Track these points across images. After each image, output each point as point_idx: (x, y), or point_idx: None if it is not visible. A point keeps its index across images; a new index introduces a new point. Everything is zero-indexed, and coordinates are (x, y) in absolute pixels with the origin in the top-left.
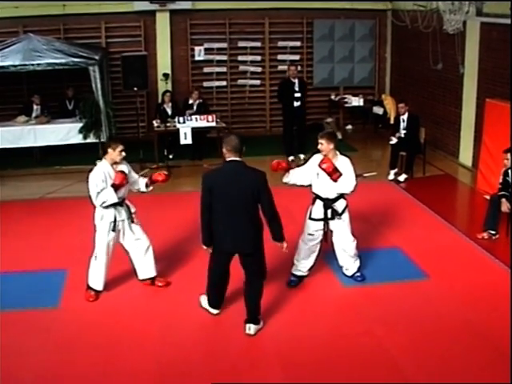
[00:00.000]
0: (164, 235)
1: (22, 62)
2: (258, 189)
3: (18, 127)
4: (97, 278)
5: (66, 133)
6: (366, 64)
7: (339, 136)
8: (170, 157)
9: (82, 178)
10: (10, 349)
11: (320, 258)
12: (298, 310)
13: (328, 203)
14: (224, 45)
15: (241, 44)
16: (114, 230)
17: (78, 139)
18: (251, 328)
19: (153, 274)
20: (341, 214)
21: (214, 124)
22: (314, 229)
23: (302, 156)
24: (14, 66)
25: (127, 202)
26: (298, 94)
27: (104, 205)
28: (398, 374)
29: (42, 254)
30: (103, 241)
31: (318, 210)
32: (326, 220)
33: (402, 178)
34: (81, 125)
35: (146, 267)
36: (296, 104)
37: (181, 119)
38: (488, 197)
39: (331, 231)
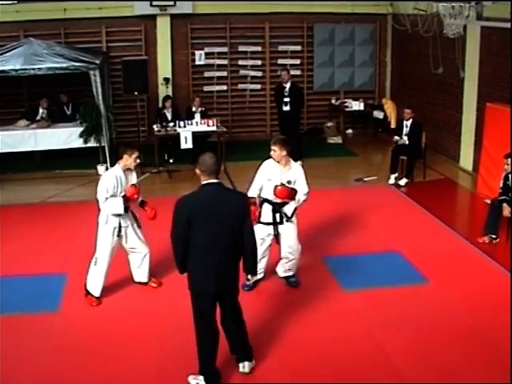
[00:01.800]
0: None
1: (22, 66)
2: (243, 213)
3: (19, 131)
4: (95, 283)
5: (66, 137)
6: (367, 68)
7: (339, 140)
8: (171, 161)
9: (83, 182)
10: (9, 352)
11: (320, 263)
12: (298, 313)
13: (276, 207)
14: (224, 49)
15: (241, 48)
16: (118, 236)
17: (78, 143)
18: (246, 366)
19: (145, 280)
20: (291, 217)
21: (214, 128)
22: (265, 233)
23: (298, 162)
24: (15, 70)
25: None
26: (286, 99)
27: (110, 213)
28: (397, 378)
29: (41, 258)
30: (105, 245)
31: (266, 213)
32: (275, 224)
33: (403, 182)
34: (81, 129)
35: (141, 273)
36: (285, 108)
37: (181, 123)
38: (488, 201)
39: (279, 235)
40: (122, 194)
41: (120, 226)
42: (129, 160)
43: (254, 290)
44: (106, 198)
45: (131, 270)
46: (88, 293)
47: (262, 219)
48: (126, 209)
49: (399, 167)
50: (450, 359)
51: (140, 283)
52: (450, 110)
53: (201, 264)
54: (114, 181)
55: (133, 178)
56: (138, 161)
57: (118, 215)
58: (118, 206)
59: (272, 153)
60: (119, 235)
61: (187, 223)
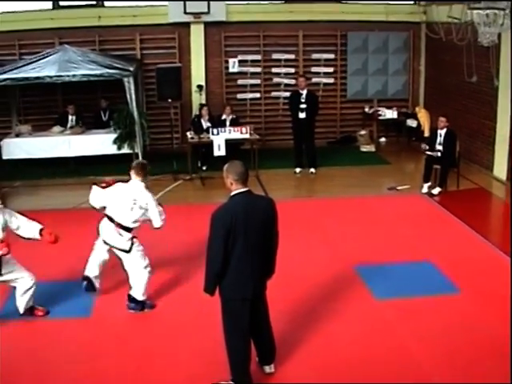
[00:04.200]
0: (193, 243)
1: (57, 72)
2: (273, 218)
3: (54, 137)
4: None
5: (100, 143)
6: (400, 76)
7: (372, 149)
8: (204, 168)
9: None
10: (42, 357)
11: (352, 271)
12: (329, 322)
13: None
14: (258, 57)
15: (275, 56)
16: None
17: (112, 150)
18: (272, 367)
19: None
20: (128, 251)
21: (247, 136)
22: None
23: (312, 170)
24: (50, 76)
25: None
26: (303, 105)
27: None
28: None
29: (74, 263)
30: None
31: (105, 231)
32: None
33: (436, 191)
34: (115, 135)
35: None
36: (301, 115)
37: (215, 131)
38: None
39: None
40: None
41: None
42: None
43: (282, 298)
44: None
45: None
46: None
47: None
48: None
49: (432, 176)
50: (483, 372)
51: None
52: (484, 118)
53: (237, 271)
54: None
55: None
56: None
57: None
58: None
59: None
60: None
61: (227, 236)
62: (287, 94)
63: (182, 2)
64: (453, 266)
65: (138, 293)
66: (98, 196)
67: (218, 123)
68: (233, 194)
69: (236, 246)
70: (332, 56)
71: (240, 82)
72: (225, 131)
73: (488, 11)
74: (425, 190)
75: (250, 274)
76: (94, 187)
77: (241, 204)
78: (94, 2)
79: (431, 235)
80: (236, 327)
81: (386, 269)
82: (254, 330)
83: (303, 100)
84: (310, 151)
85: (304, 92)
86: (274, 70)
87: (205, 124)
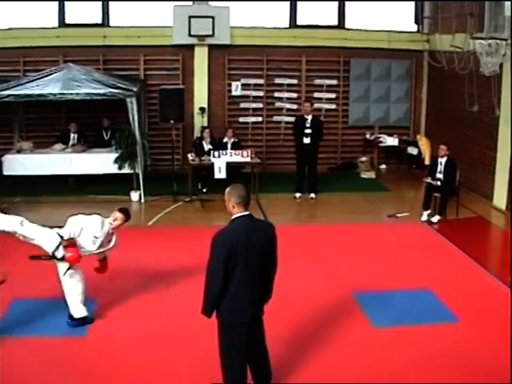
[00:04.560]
0: (192, 265)
1: (61, 90)
2: (273, 242)
3: (55, 155)
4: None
5: (101, 162)
6: (402, 104)
7: (373, 175)
8: (204, 190)
9: (115, 207)
10: (38, 375)
11: (350, 298)
12: (326, 349)
13: None
14: (261, 81)
15: (277, 81)
16: None
17: (112, 169)
18: None
19: None
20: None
21: (248, 159)
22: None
23: (312, 195)
24: (54, 94)
25: None
26: (308, 131)
27: None
28: None
29: None
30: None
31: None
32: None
33: (435, 219)
34: (116, 155)
35: None
36: (306, 140)
37: (216, 153)
38: None
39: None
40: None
41: None
42: None
43: (280, 322)
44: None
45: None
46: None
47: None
48: None
49: (432, 204)
50: None
51: None
52: (485, 148)
53: (236, 294)
54: None
55: None
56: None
57: None
58: None
59: (115, 222)
60: None
61: (227, 260)
62: (289, 118)
63: (186, 24)
64: (451, 294)
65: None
66: None
67: (219, 146)
68: (234, 217)
69: (236, 270)
70: (334, 82)
71: (242, 105)
72: (226, 154)
73: (490, 41)
74: (424, 217)
75: (249, 298)
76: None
77: (242, 227)
78: (100, 22)
79: (430, 263)
80: (233, 350)
81: (384, 296)
82: (250, 353)
83: (308, 125)
84: (312, 176)
85: (309, 117)
86: (276, 94)
87: (206, 146)
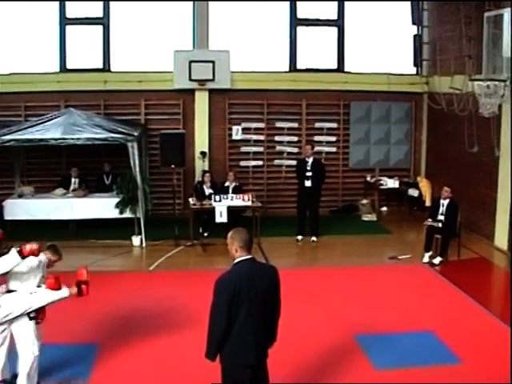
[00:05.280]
0: (194, 309)
1: (62, 135)
2: (277, 285)
3: (56, 199)
4: None
5: (102, 207)
6: (402, 146)
7: (374, 218)
8: (205, 234)
9: (116, 252)
10: None
11: (352, 340)
12: None
13: None
14: (261, 125)
15: (278, 124)
16: None
17: (114, 214)
18: None
19: None
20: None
21: (249, 203)
22: None
23: (314, 238)
24: (55, 139)
25: None
26: (308, 173)
27: None
28: None
29: (72, 326)
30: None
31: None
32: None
33: (437, 260)
34: (117, 200)
35: None
36: (307, 183)
37: (217, 197)
38: None
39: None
40: None
41: None
42: None
43: (283, 366)
44: None
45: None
46: None
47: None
48: None
49: (433, 246)
50: None
51: None
52: (485, 188)
53: (240, 338)
54: None
55: None
56: None
57: None
58: None
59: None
60: None
61: (231, 303)
62: (290, 162)
63: (187, 69)
64: (454, 336)
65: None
66: None
67: (220, 190)
68: (237, 260)
69: (239, 313)
70: (335, 125)
71: (243, 149)
72: (227, 198)
73: (489, 83)
74: (426, 259)
75: (252, 341)
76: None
77: (245, 271)
78: (101, 67)
79: (432, 305)
80: None
81: (386, 338)
82: None
83: (309, 168)
84: (314, 219)
85: (310, 160)
86: (277, 138)
87: (207, 190)
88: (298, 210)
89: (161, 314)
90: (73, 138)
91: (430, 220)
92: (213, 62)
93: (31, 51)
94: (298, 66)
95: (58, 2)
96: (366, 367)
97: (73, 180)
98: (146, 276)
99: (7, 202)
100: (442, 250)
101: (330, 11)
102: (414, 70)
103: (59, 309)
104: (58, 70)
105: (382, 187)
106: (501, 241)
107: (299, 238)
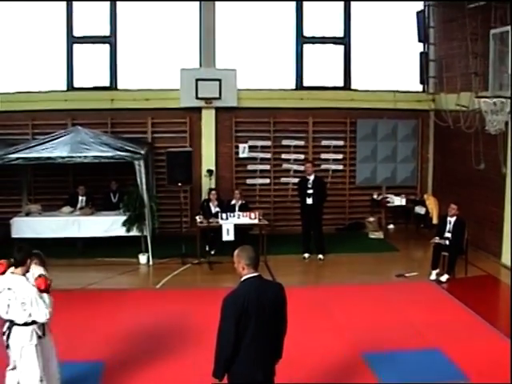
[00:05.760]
0: (200, 328)
1: (69, 153)
2: (283, 302)
3: (63, 217)
4: None
5: (109, 225)
6: (409, 164)
7: (381, 235)
8: (212, 252)
9: (123, 270)
10: None
11: (359, 358)
12: None
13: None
14: (268, 143)
15: (284, 142)
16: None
17: (121, 232)
18: None
19: None
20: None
21: (256, 221)
22: None
23: (320, 256)
24: (62, 157)
25: None
26: (310, 191)
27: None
28: None
29: (79, 344)
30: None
31: None
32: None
33: (444, 278)
34: (124, 218)
35: None
36: (308, 201)
37: (224, 215)
38: None
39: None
40: None
41: None
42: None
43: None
44: None
45: None
46: None
47: None
48: None
49: (440, 263)
50: None
51: None
52: (492, 205)
53: (248, 356)
54: None
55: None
56: None
57: None
58: None
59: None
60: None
61: (239, 321)
62: (296, 180)
63: (194, 87)
64: (461, 353)
65: None
66: None
67: (227, 208)
68: (244, 278)
69: (247, 330)
70: (341, 143)
71: (250, 167)
72: (234, 216)
73: (495, 100)
74: (433, 277)
75: (260, 359)
76: None
77: (253, 288)
78: (108, 85)
79: (440, 322)
80: None
81: (393, 356)
82: None
83: (310, 186)
84: (318, 237)
85: (311, 178)
86: (283, 156)
87: (214, 208)
88: (302, 227)
89: (167, 332)
90: (80, 156)
91: (437, 238)
92: (219, 80)
93: (38, 70)
94: (305, 84)
95: (65, 21)
96: None
97: (80, 198)
98: (153, 294)
99: (14, 220)
100: (449, 267)
101: (336, 29)
102: (420, 88)
103: (66, 326)
104: (65, 88)
105: (388, 205)
106: (508, 258)
107: (306, 255)
